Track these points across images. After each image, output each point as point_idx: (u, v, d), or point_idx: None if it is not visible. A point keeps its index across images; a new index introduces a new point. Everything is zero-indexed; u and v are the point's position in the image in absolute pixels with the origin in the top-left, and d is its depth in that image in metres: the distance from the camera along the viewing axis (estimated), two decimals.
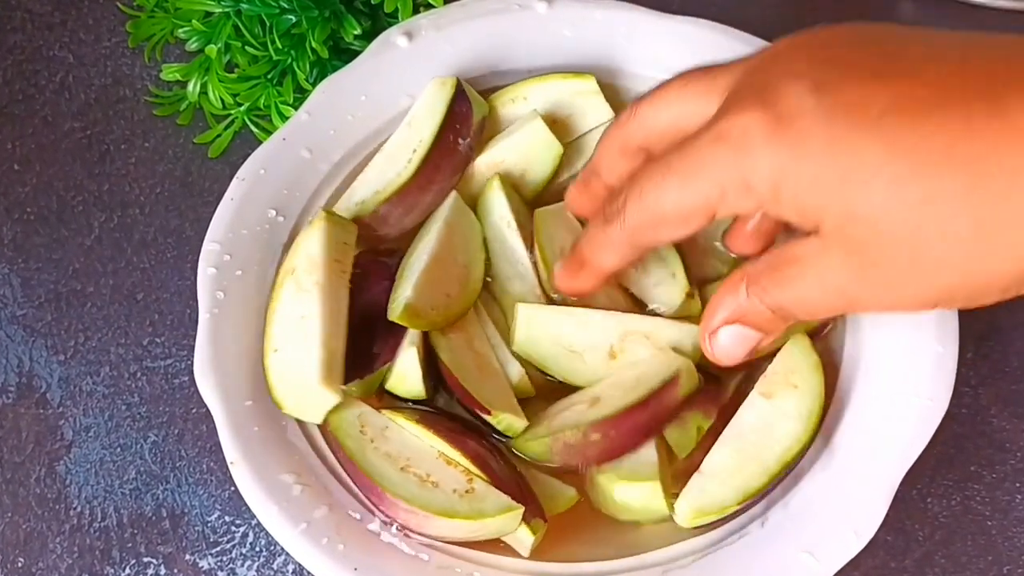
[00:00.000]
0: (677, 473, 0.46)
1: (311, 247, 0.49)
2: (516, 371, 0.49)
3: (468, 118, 0.53)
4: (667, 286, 0.51)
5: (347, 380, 0.48)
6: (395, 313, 0.47)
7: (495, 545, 0.46)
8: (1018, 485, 0.53)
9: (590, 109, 0.55)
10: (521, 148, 0.53)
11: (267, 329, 0.48)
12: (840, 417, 0.47)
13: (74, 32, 0.66)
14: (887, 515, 0.44)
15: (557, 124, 0.54)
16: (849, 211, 0.37)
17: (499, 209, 0.52)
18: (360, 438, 0.46)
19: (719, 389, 0.49)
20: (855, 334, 0.50)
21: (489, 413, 0.47)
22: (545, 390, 0.50)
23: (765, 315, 0.42)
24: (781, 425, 0.46)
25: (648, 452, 0.46)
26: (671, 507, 0.45)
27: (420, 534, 0.45)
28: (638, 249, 0.45)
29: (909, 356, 0.47)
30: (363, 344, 0.49)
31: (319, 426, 0.48)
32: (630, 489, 0.46)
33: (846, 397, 0.48)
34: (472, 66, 0.56)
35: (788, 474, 0.46)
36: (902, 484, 0.45)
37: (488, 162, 0.54)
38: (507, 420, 0.47)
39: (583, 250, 0.47)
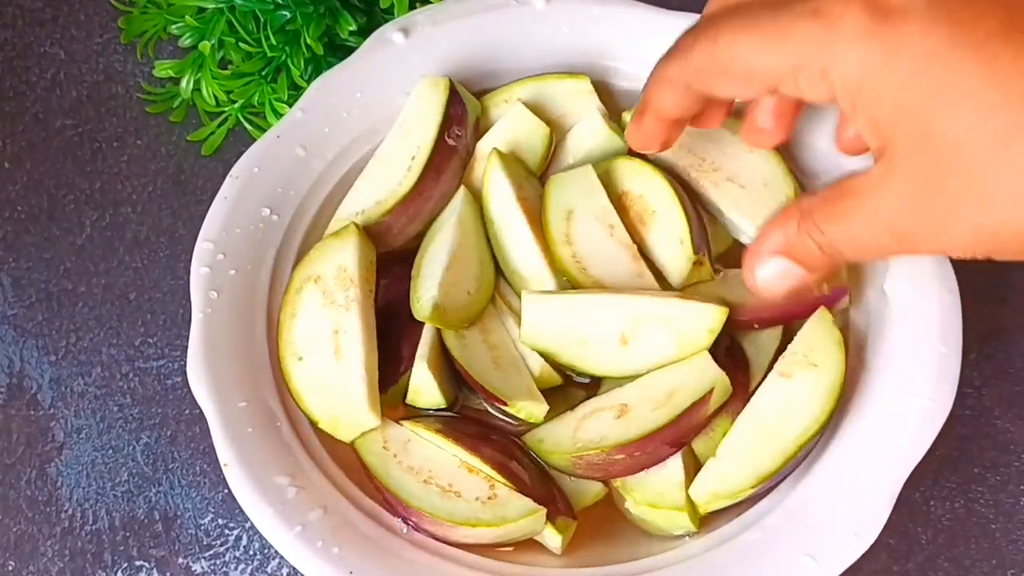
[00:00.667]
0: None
1: (345, 259, 0.49)
2: (536, 361, 0.49)
3: (463, 120, 0.52)
4: (673, 254, 0.50)
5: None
6: (423, 313, 0.47)
7: (529, 544, 0.46)
8: (1022, 488, 0.53)
9: (583, 109, 0.54)
10: (507, 135, 0.53)
11: (282, 334, 0.48)
12: (842, 418, 0.47)
13: (65, 28, 0.65)
14: (889, 518, 0.44)
15: (550, 124, 0.53)
16: (927, 131, 0.35)
17: (500, 188, 0.51)
18: (383, 454, 0.46)
19: (746, 387, 0.48)
20: (857, 334, 0.49)
21: (506, 404, 0.46)
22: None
23: (813, 251, 0.41)
24: (798, 405, 0.45)
25: (675, 468, 0.46)
26: (696, 524, 0.45)
27: (447, 542, 0.45)
28: (694, 94, 0.43)
29: (912, 357, 0.47)
30: (384, 352, 0.48)
31: (314, 426, 0.48)
32: (655, 513, 0.46)
33: (848, 398, 0.47)
34: (469, 63, 0.55)
35: (804, 457, 0.45)
36: (905, 486, 0.44)
37: (478, 156, 0.53)
38: (526, 408, 0.47)
39: (646, 91, 0.45)
